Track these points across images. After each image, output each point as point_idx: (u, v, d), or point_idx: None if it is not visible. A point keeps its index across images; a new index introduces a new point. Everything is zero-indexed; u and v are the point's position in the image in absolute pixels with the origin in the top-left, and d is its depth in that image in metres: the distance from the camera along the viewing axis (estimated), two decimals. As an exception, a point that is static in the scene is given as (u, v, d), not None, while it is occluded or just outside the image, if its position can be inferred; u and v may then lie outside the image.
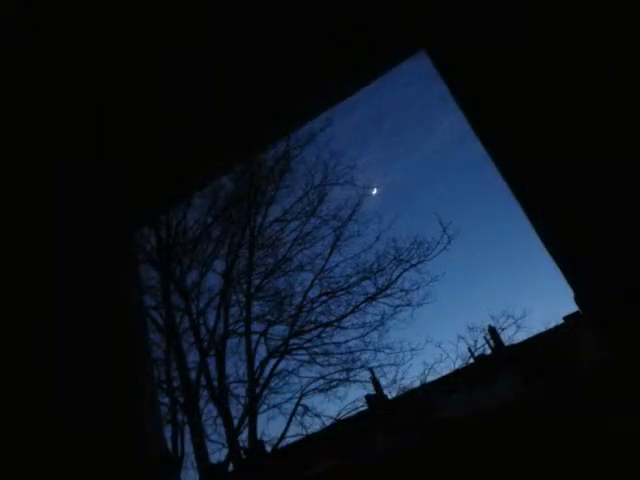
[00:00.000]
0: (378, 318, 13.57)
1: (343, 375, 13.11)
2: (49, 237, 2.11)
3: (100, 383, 1.75)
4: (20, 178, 2.27)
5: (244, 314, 13.86)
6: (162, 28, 2.17)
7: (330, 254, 14.26)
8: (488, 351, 12.25)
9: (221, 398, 12.72)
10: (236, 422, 12.35)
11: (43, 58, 2.35)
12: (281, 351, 13.49)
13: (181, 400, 12.58)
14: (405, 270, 13.79)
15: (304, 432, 11.87)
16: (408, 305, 13.65)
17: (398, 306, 13.63)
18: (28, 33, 2.34)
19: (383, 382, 12.95)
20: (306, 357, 13.45)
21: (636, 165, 1.24)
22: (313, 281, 14.06)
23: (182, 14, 2.13)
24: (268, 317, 13.94)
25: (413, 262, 13.80)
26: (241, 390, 13.11)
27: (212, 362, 13.20)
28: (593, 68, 1.36)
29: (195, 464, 11.77)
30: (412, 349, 13.28)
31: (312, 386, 12.97)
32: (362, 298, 13.72)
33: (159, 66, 2.20)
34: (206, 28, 2.05)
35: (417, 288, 13.65)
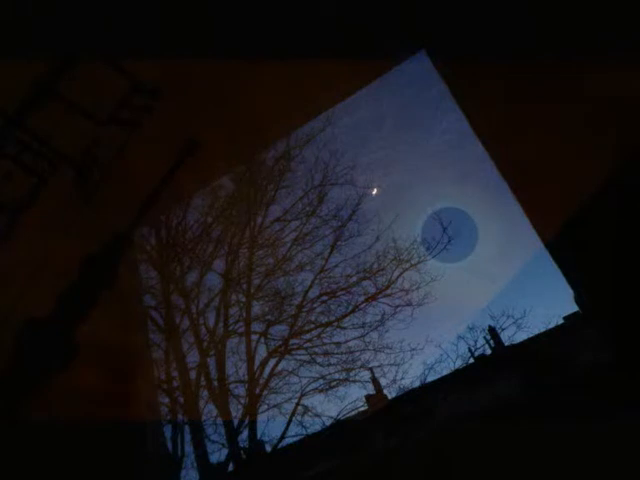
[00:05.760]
0: (378, 318, 13.58)
1: (343, 375, 13.12)
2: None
3: (100, 382, 1.75)
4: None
5: (244, 314, 13.85)
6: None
7: (330, 254, 14.27)
8: (488, 351, 12.25)
9: (221, 398, 12.70)
10: (236, 422, 12.35)
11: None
12: (281, 351, 13.48)
13: (181, 400, 12.57)
14: (405, 270, 13.81)
15: (304, 432, 11.89)
16: (408, 305, 13.67)
17: (398, 306, 13.65)
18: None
19: (383, 382, 12.96)
20: (306, 357, 13.46)
21: (635, 165, 1.24)
22: (313, 281, 14.06)
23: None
24: (268, 317, 13.94)
25: (413, 262, 13.82)
26: (241, 390, 13.10)
27: (212, 362, 13.19)
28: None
29: (195, 464, 11.76)
30: (412, 349, 13.31)
31: (312, 386, 12.97)
32: (362, 298, 13.73)
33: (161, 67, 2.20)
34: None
35: (417, 288, 13.68)
